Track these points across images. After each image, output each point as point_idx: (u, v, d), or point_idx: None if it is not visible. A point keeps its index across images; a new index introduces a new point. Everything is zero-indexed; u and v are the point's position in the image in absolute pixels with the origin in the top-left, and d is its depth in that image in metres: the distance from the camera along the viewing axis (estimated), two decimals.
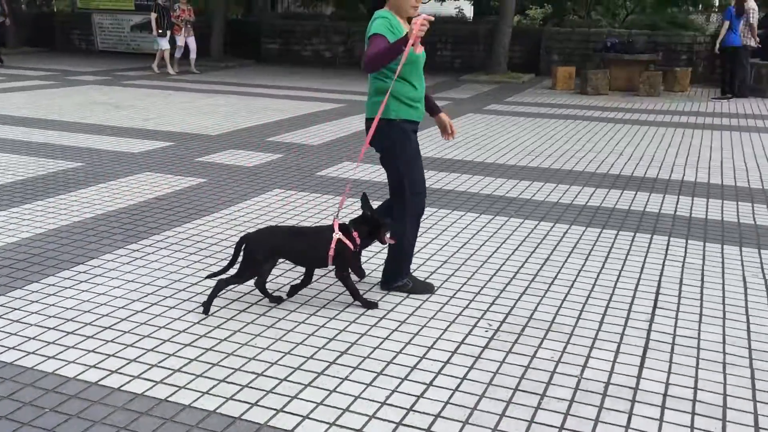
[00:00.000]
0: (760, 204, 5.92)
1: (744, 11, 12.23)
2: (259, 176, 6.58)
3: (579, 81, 13.50)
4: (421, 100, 3.83)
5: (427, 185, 4.13)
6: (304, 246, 3.74)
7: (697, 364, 3.24)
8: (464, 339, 3.44)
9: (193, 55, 15.82)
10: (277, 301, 3.81)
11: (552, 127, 9.60)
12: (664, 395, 2.97)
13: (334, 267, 3.76)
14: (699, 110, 11.36)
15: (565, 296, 3.97)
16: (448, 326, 3.58)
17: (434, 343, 3.39)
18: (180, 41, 15.57)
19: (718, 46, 12.67)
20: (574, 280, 4.21)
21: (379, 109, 3.65)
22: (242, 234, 4.15)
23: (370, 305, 3.78)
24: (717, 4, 20.92)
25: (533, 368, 3.17)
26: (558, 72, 13.79)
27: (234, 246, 3.81)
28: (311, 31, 18.62)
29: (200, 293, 3.89)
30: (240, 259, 3.69)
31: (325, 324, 3.57)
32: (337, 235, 3.65)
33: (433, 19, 3.52)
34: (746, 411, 2.86)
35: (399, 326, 3.56)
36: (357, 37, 18.10)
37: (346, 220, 3.91)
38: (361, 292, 3.81)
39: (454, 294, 3.99)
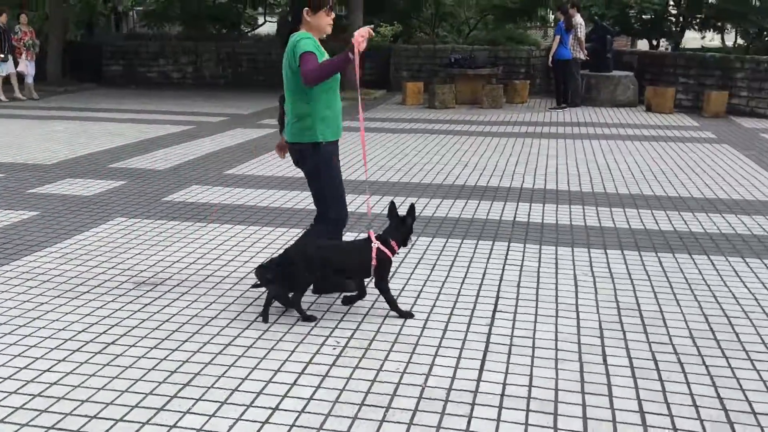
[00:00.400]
0: (590, 206, 6.35)
1: (572, 26, 13.16)
2: (99, 205, 6.26)
3: (427, 96, 13.95)
4: (341, 117, 3.97)
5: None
6: (346, 258, 3.89)
7: (532, 362, 3.41)
8: (312, 359, 3.43)
9: (29, 80, 14.88)
10: (310, 320, 3.84)
11: (402, 141, 9.84)
12: (502, 395, 3.10)
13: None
14: (537, 120, 12.07)
15: (411, 307, 4.06)
16: (296, 347, 3.56)
17: (281, 365, 3.36)
18: (22, 66, 14.66)
19: (550, 59, 13.54)
20: (420, 291, 4.32)
21: (308, 133, 3.83)
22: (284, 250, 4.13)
23: (407, 315, 3.91)
24: (552, 19, 22.39)
25: (379, 381, 3.21)
26: (407, 87, 14.18)
27: (278, 261, 3.97)
28: (157, 52, 18.05)
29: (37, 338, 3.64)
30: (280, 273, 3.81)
31: (167, 356, 3.44)
32: (376, 244, 3.80)
33: (373, 34, 3.60)
34: (575, 403, 3.04)
35: (246, 351, 3.50)
36: (206, 57, 17.75)
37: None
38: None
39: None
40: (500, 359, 3.44)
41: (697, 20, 17.77)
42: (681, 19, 17.67)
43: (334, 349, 3.54)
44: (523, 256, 4.99)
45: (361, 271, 3.88)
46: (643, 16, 17.05)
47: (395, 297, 4.01)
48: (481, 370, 3.33)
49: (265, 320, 3.83)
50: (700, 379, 3.25)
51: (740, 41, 20.12)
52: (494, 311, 4.02)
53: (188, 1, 18.76)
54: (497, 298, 4.23)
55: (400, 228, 3.91)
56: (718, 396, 3.10)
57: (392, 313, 3.95)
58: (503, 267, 4.76)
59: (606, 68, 14.15)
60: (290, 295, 3.88)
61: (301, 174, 4.22)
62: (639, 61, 15.05)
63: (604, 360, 3.44)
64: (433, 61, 16.04)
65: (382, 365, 3.37)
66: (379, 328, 3.79)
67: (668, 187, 7.12)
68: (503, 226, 5.72)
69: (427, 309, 4.05)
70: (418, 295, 4.25)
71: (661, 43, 19.08)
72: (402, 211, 3.99)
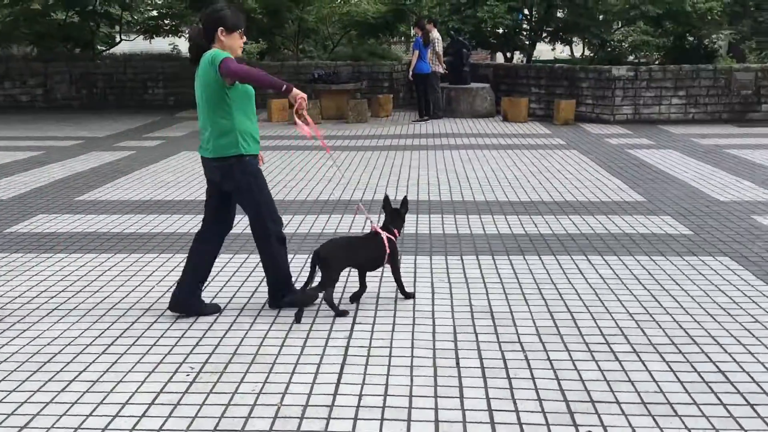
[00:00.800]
0: (448, 214, 6.56)
1: (429, 41, 13.59)
2: None
3: (292, 112, 13.89)
4: (258, 132, 4.12)
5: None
6: (367, 252, 4.22)
7: (388, 371, 3.46)
8: (163, 388, 3.31)
9: None
10: (343, 314, 4.10)
11: (266, 158, 9.76)
12: (357, 407, 3.12)
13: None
14: (401, 133, 12.34)
15: (270, 327, 4.02)
16: (147, 377, 3.42)
17: (129, 398, 3.22)
18: None
19: (411, 73, 13.91)
20: (279, 310, 4.29)
21: (231, 147, 3.90)
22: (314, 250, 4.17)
23: (409, 296, 4.37)
24: (412, 34, 23.02)
25: (234, 405, 3.15)
26: (272, 104, 14.10)
27: (311, 262, 4.11)
28: (2, 74, 16.94)
29: None
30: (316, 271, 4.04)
31: (3, 399, 3.21)
32: (385, 235, 4.19)
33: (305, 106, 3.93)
34: (428, 408, 3.11)
35: (91, 387, 3.33)
36: (57, 78, 16.85)
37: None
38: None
39: (156, 342, 3.83)
40: (357, 371, 3.46)
41: (547, 33, 18.81)
42: (531, 32, 18.64)
43: (188, 375, 3.44)
44: (383, 267, 5.06)
45: (378, 261, 4.26)
46: (497, 31, 17.84)
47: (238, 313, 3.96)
48: (338, 383, 3.34)
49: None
50: (545, 374, 3.42)
51: (587, 52, 21.56)
52: (353, 323, 4.06)
53: (36, 19, 17.74)
54: (357, 310, 4.26)
55: (396, 218, 4.39)
56: (561, 388, 3.27)
57: (251, 333, 3.90)
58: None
59: (464, 81, 14.70)
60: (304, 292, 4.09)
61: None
62: (494, 74, 15.75)
63: (457, 363, 3.54)
64: (297, 77, 16.04)
65: (237, 388, 3.31)
66: (236, 350, 3.72)
67: (521, 192, 7.47)
68: None
69: (286, 327, 4.02)
70: (278, 313, 4.21)
71: (515, 56, 20.06)
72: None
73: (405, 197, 4.54)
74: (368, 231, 4.45)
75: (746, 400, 3.15)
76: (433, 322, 4.08)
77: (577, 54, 22.55)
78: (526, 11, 18.29)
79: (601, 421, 2.99)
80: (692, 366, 3.48)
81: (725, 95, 12.87)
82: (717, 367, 3.47)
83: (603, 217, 6.36)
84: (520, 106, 13.60)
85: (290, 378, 3.40)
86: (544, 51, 25.32)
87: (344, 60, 17.20)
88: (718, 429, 2.93)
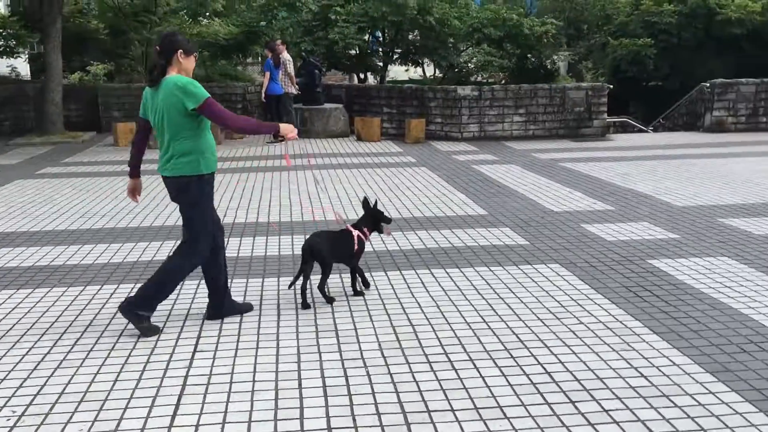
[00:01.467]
0: (298, 235, 6.55)
1: (281, 63, 13.59)
2: None
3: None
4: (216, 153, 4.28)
5: None
6: (341, 247, 4.70)
7: (228, 398, 3.40)
8: None
9: None
10: (331, 301, 4.66)
11: (112, 185, 9.34)
12: None
13: None
14: (255, 154, 12.22)
15: (105, 359, 3.83)
16: None
17: None
18: None
19: (263, 94, 13.84)
20: (118, 338, 4.10)
21: (191, 166, 4.09)
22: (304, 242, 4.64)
23: (368, 285, 4.94)
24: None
25: None
26: (118, 128, 13.53)
27: (302, 255, 4.58)
28: None
29: None
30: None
31: None
32: (356, 232, 4.71)
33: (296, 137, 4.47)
34: None
35: None
36: None
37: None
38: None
39: None
40: (195, 400, 3.37)
41: (398, 55, 19.38)
42: (383, 54, 19.13)
43: (8, 420, 3.20)
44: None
45: (347, 256, 4.73)
46: (349, 52, 18.16)
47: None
48: (174, 415, 3.23)
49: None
50: (385, 388, 3.48)
51: (438, 73, 22.43)
52: (194, 350, 3.95)
53: None
54: (198, 336, 4.15)
55: (368, 218, 4.89)
56: (399, 401, 3.35)
57: (83, 369, 3.70)
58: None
59: (317, 101, 14.81)
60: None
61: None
62: (347, 94, 15.99)
63: (299, 384, 3.53)
64: None
65: (63, 429, 3.12)
66: (65, 388, 3.51)
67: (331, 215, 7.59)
68: None
69: (122, 359, 3.85)
70: (113, 346, 4.02)
71: (369, 77, 20.50)
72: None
73: (376, 201, 5.04)
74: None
75: (568, 398, 3.36)
76: (278, 344, 4.05)
77: (429, 74, 23.42)
78: (379, 34, 18.78)
79: (436, 430, 3.09)
80: (522, 369, 3.68)
81: (560, 112, 13.77)
82: (544, 368, 3.68)
83: (447, 231, 6.60)
84: (373, 125, 13.88)
85: (122, 414, 3.25)
86: (399, 72, 26.10)
87: None
88: (542, 427, 3.10)
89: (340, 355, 3.89)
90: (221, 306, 4.42)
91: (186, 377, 3.63)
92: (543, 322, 4.33)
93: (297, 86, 14.10)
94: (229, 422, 3.17)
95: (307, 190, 8.77)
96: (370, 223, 4.93)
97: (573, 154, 11.63)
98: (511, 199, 8.01)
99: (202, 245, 4.25)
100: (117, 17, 16.79)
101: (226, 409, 3.29)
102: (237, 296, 4.78)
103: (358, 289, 4.85)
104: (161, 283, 4.22)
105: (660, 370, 3.64)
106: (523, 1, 23.39)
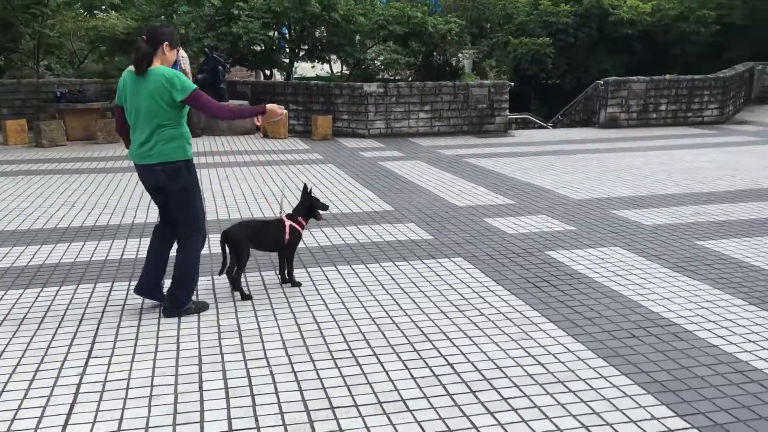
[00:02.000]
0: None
1: (175, 60, 13.20)
2: None
3: (33, 134, 12.78)
4: None
5: None
6: (267, 234, 4.81)
7: (124, 404, 3.28)
8: None
9: None
10: (246, 297, 4.65)
11: (1, 185, 8.84)
12: None
13: None
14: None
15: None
16: None
17: None
18: None
19: None
20: (3, 350, 3.88)
21: (179, 152, 4.23)
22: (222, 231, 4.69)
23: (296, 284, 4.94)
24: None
25: None
26: (7, 126, 12.82)
27: (220, 243, 4.65)
28: None
29: None
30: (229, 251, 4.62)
31: None
32: (289, 223, 4.83)
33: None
34: None
35: None
36: None
37: None
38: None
39: None
40: (89, 408, 3.24)
41: (304, 51, 19.24)
42: (289, 50, 18.96)
43: None
44: (126, 294, 4.80)
45: (278, 244, 4.85)
46: (254, 48, 17.89)
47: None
48: (65, 425, 3.09)
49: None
50: (288, 386, 3.45)
51: (345, 70, 22.43)
52: (88, 357, 3.79)
53: None
54: (93, 342, 3.99)
55: (301, 208, 4.98)
56: (303, 399, 3.33)
57: None
58: (103, 311, 4.52)
59: (221, 98, 14.48)
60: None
61: None
62: (252, 91, 15.75)
63: (200, 387, 3.45)
64: (38, 95, 14.78)
65: None
66: None
67: (276, 208, 7.52)
68: (108, 266, 5.45)
69: (10, 367, 3.65)
70: (0, 354, 3.81)
71: (275, 73, 20.27)
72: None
73: (310, 190, 5.05)
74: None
75: (469, 388, 3.43)
76: (178, 347, 3.94)
77: (336, 71, 23.41)
78: (286, 30, 18.59)
79: (339, 426, 3.09)
80: (425, 362, 3.73)
81: (464, 109, 14.06)
82: (446, 360, 3.75)
83: (353, 228, 6.61)
84: (279, 122, 13.72)
85: (9, 426, 3.08)
86: (306, 69, 25.93)
87: (91, 77, 16.17)
88: (444, 418, 3.16)
89: (243, 355, 3.83)
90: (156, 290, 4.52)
91: (79, 385, 3.48)
92: (446, 315, 4.41)
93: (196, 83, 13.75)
94: (125, 429, 3.06)
95: (211, 189, 8.57)
96: (303, 212, 4.99)
97: (477, 150, 11.89)
98: (416, 195, 8.11)
99: (201, 222, 4.43)
100: (6, 9, 15.87)
101: (122, 416, 3.18)
102: (137, 300, 4.63)
103: (287, 277, 4.91)
104: (183, 276, 4.35)
105: (556, 357, 3.77)
106: (426, 0, 23.71)
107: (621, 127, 15.00)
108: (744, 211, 7.12)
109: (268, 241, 4.85)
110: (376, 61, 20.73)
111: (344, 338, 4.05)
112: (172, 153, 4.23)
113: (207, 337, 4.07)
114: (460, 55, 23.27)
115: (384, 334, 4.10)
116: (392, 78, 21.61)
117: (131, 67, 4.26)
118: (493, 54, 26.41)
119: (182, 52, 13.38)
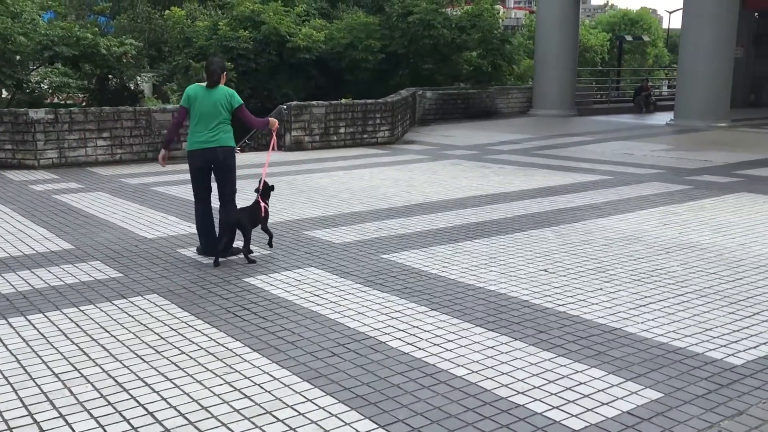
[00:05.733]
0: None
1: None
2: None
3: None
4: None
5: None
6: (254, 214, 6.34)
7: None
8: None
9: None
10: (254, 261, 6.14)
11: None
12: None
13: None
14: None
15: None
16: None
17: None
18: None
19: None
20: None
21: (231, 141, 6.30)
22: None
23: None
24: None
25: None
26: None
27: (226, 228, 6.05)
28: None
29: None
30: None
31: None
32: (263, 204, 6.40)
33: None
34: None
35: None
36: None
37: None
38: None
39: None
40: None
41: None
42: None
43: None
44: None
45: (260, 220, 6.38)
46: None
47: None
48: None
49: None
50: None
51: (6, 94, 20.02)
52: None
53: None
54: None
55: (267, 190, 6.51)
56: None
57: None
58: None
59: None
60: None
61: None
62: None
63: None
64: None
65: None
66: None
67: None
68: None
69: None
70: None
71: None
72: None
73: (265, 182, 6.49)
74: None
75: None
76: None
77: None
78: None
79: None
80: (122, 416, 3.41)
81: (148, 135, 13.42)
82: (146, 409, 3.47)
83: (26, 272, 5.86)
84: None
85: None
86: None
87: None
88: None
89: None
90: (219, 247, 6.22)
91: None
92: (143, 359, 4.10)
93: None
94: None
95: None
96: (266, 197, 6.60)
97: (164, 177, 11.42)
98: (100, 230, 7.49)
99: (235, 192, 6.38)
100: None
101: None
102: None
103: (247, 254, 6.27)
104: (229, 227, 6.17)
105: (262, 387, 3.72)
106: (96, 20, 22.29)
107: (306, 149, 15.62)
108: (419, 224, 7.84)
109: (257, 219, 6.34)
110: (42, 85, 18.87)
111: (22, 403, 3.54)
112: (229, 141, 6.20)
113: None
114: (138, 78, 22.24)
115: (71, 391, 3.67)
116: (63, 103, 19.84)
117: (201, 84, 6.22)
118: (174, 78, 25.73)
119: None
